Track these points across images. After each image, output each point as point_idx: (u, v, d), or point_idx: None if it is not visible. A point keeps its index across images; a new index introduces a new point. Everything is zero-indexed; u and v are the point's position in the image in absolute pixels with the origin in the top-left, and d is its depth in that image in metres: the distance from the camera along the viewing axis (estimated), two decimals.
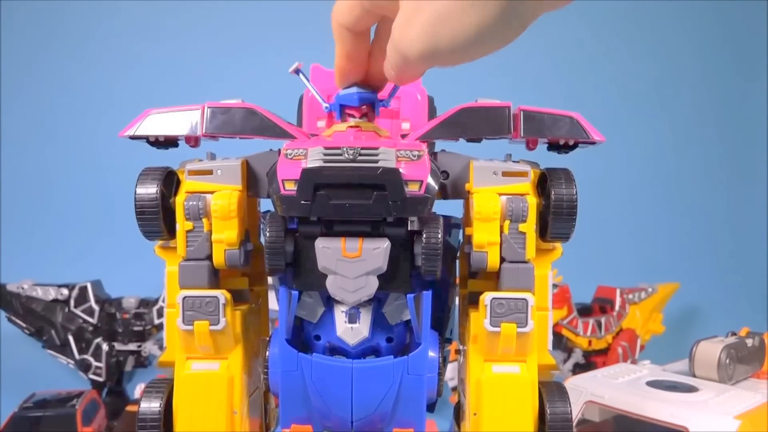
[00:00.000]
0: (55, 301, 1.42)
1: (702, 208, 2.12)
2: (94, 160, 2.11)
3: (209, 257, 0.71)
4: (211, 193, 0.72)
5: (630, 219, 2.07)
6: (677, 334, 1.81)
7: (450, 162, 0.77)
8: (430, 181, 0.67)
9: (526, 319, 0.69)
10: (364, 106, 0.72)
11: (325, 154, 0.66)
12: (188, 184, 0.73)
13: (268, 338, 0.79)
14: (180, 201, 0.72)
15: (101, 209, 1.95)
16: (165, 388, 0.73)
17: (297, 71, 0.74)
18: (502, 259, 0.71)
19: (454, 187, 0.77)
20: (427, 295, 0.71)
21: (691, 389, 1.07)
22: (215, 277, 0.73)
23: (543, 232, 0.73)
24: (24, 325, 1.46)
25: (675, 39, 2.06)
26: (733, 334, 1.29)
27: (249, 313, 0.79)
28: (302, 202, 0.65)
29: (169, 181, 0.75)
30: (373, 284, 0.68)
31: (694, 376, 1.13)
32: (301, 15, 1.82)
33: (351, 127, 0.71)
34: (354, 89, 0.71)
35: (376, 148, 0.66)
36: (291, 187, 0.66)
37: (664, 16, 2.08)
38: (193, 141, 0.78)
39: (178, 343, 0.73)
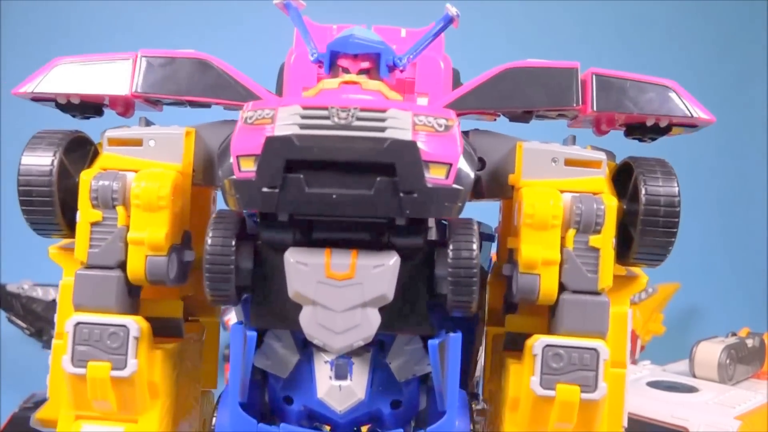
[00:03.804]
0: (55, 301, 1.50)
1: (702, 208, 2.13)
2: None
3: (122, 265, 0.44)
4: (136, 171, 0.45)
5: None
6: (677, 335, 1.81)
7: (487, 145, 0.49)
8: (463, 166, 0.41)
9: (596, 381, 0.43)
10: (366, 60, 0.46)
11: (304, 116, 0.39)
12: (106, 157, 0.47)
13: (214, 393, 0.53)
14: (86, 178, 0.45)
15: None
16: None
17: (285, 5, 0.49)
18: (562, 288, 0.45)
19: (492, 182, 0.50)
20: (455, 340, 0.44)
21: (691, 390, 0.97)
22: (129, 297, 0.45)
23: (623, 250, 0.47)
24: (24, 325, 1.36)
25: (675, 39, 2.07)
26: (733, 334, 1.27)
27: (181, 354, 0.49)
28: (264, 189, 0.39)
29: (80, 153, 0.49)
30: (373, 321, 0.42)
31: (694, 376, 1.12)
32: None
33: (345, 83, 0.44)
34: (353, 31, 0.46)
35: (383, 110, 0.40)
36: (250, 167, 0.39)
37: (663, 16, 2.08)
38: (122, 106, 0.51)
39: (64, 393, 0.46)
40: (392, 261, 0.42)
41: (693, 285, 1.69)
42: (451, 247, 0.42)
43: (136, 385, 0.44)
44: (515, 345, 0.48)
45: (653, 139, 0.50)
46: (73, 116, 0.53)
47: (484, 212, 0.56)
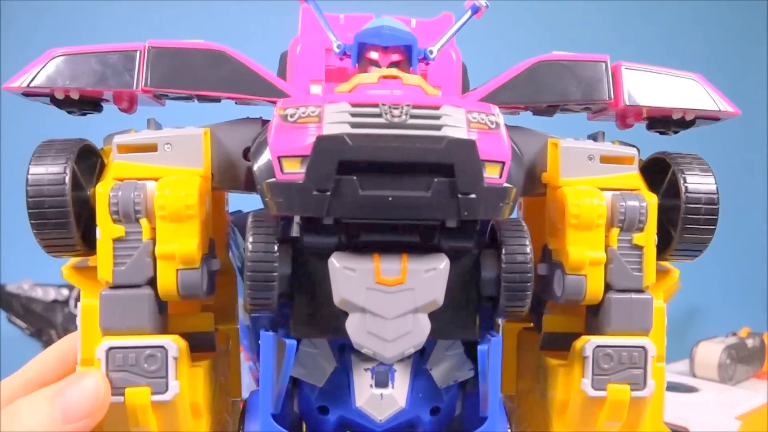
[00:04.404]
0: (55, 301, 1.33)
1: None
2: None
3: (151, 282, 0.41)
4: (156, 180, 0.42)
5: None
6: (677, 335, 1.82)
7: (519, 142, 0.46)
8: (513, 162, 0.39)
9: (644, 378, 0.43)
10: (396, 53, 0.44)
11: (354, 114, 0.37)
12: (118, 166, 0.43)
13: (241, 402, 0.49)
14: (103, 192, 0.41)
15: None
16: None
17: None
18: (607, 287, 0.44)
19: (526, 180, 0.47)
20: (497, 343, 0.42)
21: (691, 390, 1.00)
22: (161, 316, 0.42)
23: (662, 246, 0.46)
24: (24, 325, 1.35)
25: (674, 39, 2.06)
26: (734, 334, 1.26)
27: (215, 368, 0.47)
28: (315, 192, 0.36)
29: (88, 163, 0.44)
30: (425, 327, 0.40)
31: (694, 376, 1.13)
32: None
33: (385, 77, 0.42)
34: (383, 21, 0.45)
35: (437, 107, 0.38)
36: (295, 169, 0.37)
37: (663, 16, 2.08)
38: (127, 101, 0.47)
39: (101, 428, 0.41)
40: (443, 264, 0.40)
41: (693, 285, 1.69)
42: (504, 250, 0.41)
43: (179, 408, 0.41)
44: (553, 345, 0.47)
45: (676, 132, 0.50)
46: (70, 113, 0.48)
47: None
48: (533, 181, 0.48)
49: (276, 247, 0.40)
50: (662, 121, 0.49)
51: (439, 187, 0.37)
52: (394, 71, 0.42)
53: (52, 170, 0.43)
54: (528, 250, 0.41)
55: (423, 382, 0.44)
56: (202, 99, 0.46)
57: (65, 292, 1.37)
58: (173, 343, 0.40)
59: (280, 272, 0.40)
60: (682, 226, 0.45)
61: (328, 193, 0.36)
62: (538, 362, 0.49)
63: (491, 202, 0.38)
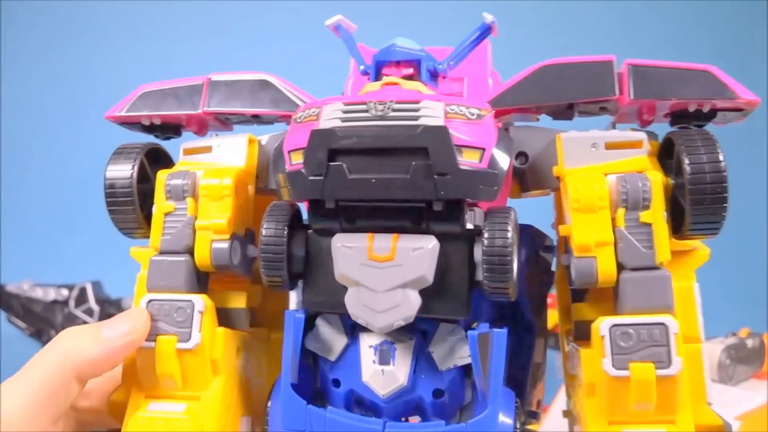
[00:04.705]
0: (55, 301, 1.33)
1: None
2: (94, 161, 2.10)
3: (190, 251, 0.49)
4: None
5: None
6: None
7: (527, 139, 0.51)
8: (498, 152, 0.42)
9: (669, 355, 0.43)
10: (408, 67, 0.49)
11: (345, 111, 0.43)
12: (181, 164, 0.54)
13: None
14: (162, 178, 0.52)
15: (101, 209, 2.03)
16: None
17: (336, 27, 0.52)
18: (620, 267, 0.45)
19: (535, 174, 0.51)
20: (500, 335, 0.44)
21: None
22: (198, 283, 0.49)
23: (677, 225, 0.47)
24: (24, 325, 1.36)
25: (673, 39, 2.06)
26: (733, 334, 1.27)
27: (246, 345, 0.53)
28: (311, 177, 0.42)
29: (160, 164, 0.56)
30: (414, 302, 0.43)
31: None
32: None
33: (386, 84, 0.47)
34: (395, 40, 0.49)
35: (417, 102, 0.42)
36: (298, 160, 0.43)
37: (663, 16, 2.08)
38: (196, 124, 0.57)
39: (135, 377, 0.49)
40: (431, 245, 0.43)
41: None
42: (485, 233, 0.43)
43: (199, 358, 0.47)
44: (586, 335, 0.47)
45: (700, 126, 0.50)
46: (156, 137, 0.58)
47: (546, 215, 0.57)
48: (546, 177, 0.51)
49: (285, 231, 0.45)
50: (681, 116, 0.50)
51: (416, 169, 0.41)
52: (394, 79, 0.47)
53: (123, 168, 0.54)
54: (509, 234, 0.43)
55: (425, 363, 0.46)
56: (258, 121, 0.56)
57: (65, 292, 1.37)
58: (200, 300, 0.48)
59: (295, 253, 0.46)
60: (689, 200, 0.45)
61: (321, 178, 0.42)
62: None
63: (470, 184, 0.41)
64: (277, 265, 0.45)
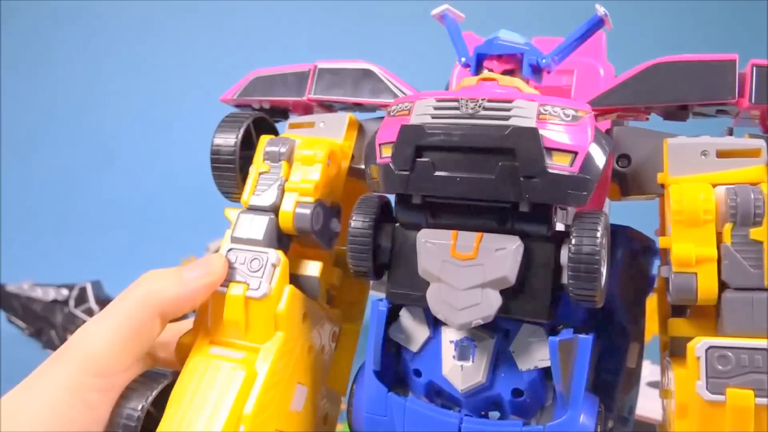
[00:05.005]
0: (55, 301, 1.33)
1: None
2: (94, 161, 1.99)
3: (276, 210, 0.52)
4: None
5: (629, 218, 2.16)
6: None
7: (632, 141, 0.48)
8: (593, 154, 0.41)
9: None
10: (510, 61, 0.48)
11: (436, 108, 0.43)
12: (285, 135, 0.57)
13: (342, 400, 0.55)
14: (262, 141, 0.55)
15: (101, 209, 1.79)
16: (158, 382, 0.50)
17: (442, 16, 0.52)
18: (723, 286, 0.42)
19: (638, 179, 0.48)
20: (585, 341, 0.43)
21: None
22: (278, 241, 0.52)
23: None
24: (24, 325, 1.36)
25: (673, 39, 2.05)
26: None
27: (314, 315, 0.54)
28: (398, 172, 0.43)
29: (265, 132, 0.58)
30: (494, 302, 0.42)
31: None
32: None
33: (483, 79, 0.47)
34: (499, 33, 0.49)
35: (509, 101, 0.41)
36: (388, 153, 0.44)
37: (663, 16, 2.07)
38: (302, 110, 0.61)
39: (205, 323, 0.52)
40: (515, 246, 0.42)
41: None
42: (573, 238, 0.41)
43: (264, 308, 0.49)
44: (681, 351, 0.44)
45: None
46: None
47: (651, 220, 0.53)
48: (649, 183, 0.48)
49: (372, 223, 0.47)
50: None
51: (502, 170, 0.41)
52: (491, 74, 0.47)
53: (228, 135, 0.57)
54: (597, 240, 0.40)
55: (505, 362, 0.46)
56: (355, 102, 0.58)
57: (65, 292, 1.37)
58: (275, 253, 0.51)
59: (382, 244, 0.48)
60: None
61: (407, 173, 0.43)
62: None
63: (558, 189, 0.40)
64: (363, 256, 0.47)
